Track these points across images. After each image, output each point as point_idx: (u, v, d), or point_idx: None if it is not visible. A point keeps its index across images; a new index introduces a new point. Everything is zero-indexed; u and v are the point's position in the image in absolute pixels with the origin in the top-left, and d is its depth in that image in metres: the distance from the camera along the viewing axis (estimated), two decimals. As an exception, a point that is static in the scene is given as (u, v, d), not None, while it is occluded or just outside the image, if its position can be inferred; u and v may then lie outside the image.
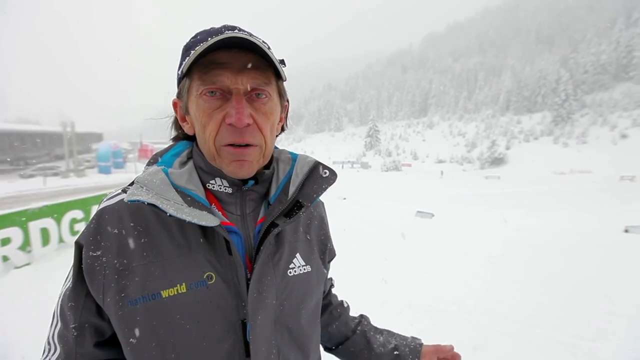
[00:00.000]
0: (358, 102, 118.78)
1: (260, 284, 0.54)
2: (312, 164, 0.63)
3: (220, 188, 0.57)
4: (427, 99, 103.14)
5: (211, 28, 0.54)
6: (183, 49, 0.55)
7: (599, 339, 2.68)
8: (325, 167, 0.63)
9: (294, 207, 0.59)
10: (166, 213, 0.49)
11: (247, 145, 0.53)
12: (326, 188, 0.61)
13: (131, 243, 0.52)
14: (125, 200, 0.51)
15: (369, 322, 0.83)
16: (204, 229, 0.54)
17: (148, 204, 0.49)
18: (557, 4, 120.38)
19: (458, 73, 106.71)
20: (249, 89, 0.52)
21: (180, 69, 0.53)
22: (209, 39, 0.49)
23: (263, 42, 0.52)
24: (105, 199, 0.57)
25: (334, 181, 0.62)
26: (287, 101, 0.64)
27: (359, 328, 0.80)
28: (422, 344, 0.78)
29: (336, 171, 0.63)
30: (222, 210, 0.57)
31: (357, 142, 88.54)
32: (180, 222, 0.52)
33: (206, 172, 0.58)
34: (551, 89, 66.44)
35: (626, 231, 6.44)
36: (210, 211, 0.52)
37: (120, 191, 0.57)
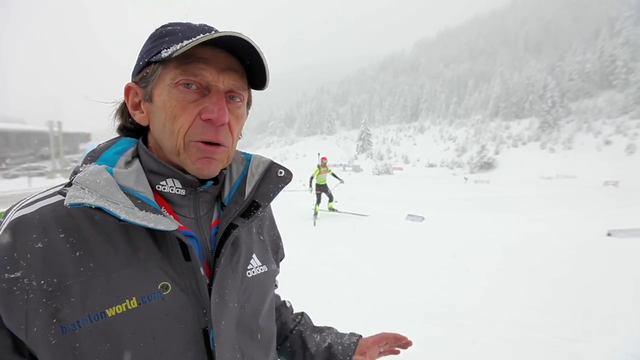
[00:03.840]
0: (350, 106, 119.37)
1: (222, 288, 0.52)
2: (267, 164, 0.63)
3: (172, 190, 0.54)
4: (418, 104, 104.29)
5: (189, 22, 0.54)
6: (156, 35, 0.53)
7: (583, 339, 2.74)
8: (280, 166, 0.63)
9: (250, 207, 0.58)
10: (118, 218, 0.43)
11: (218, 145, 0.52)
12: (282, 187, 0.61)
13: (62, 258, 0.44)
14: (66, 204, 0.42)
15: (307, 321, 0.82)
16: (154, 235, 0.49)
17: (96, 207, 0.43)
18: (544, 13, 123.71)
19: (449, 79, 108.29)
20: (227, 89, 0.52)
21: (159, 54, 0.50)
22: (199, 33, 0.49)
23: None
24: (17, 207, 0.47)
25: (290, 180, 0.62)
26: (248, 112, 0.62)
27: (296, 328, 0.79)
28: (358, 340, 0.75)
29: (291, 171, 0.63)
30: (173, 214, 0.54)
31: (349, 145, 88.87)
32: (125, 229, 0.48)
33: (156, 172, 0.54)
34: (538, 95, 68.00)
35: (609, 235, 6.61)
36: (161, 214, 0.48)
37: (39, 197, 0.49)
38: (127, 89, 0.55)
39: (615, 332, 2.86)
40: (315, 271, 4.36)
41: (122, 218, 0.43)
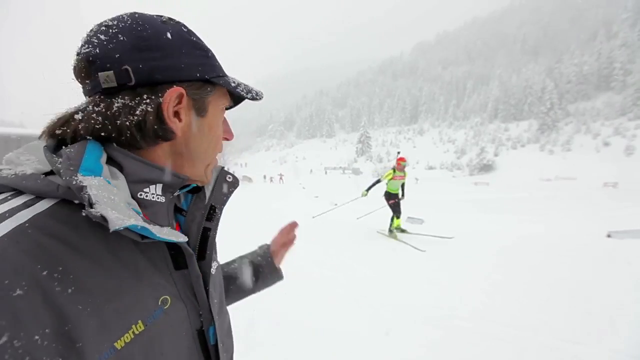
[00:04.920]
0: (349, 109, 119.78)
1: (214, 287, 0.56)
2: (219, 170, 0.66)
3: (154, 197, 0.49)
4: (417, 106, 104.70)
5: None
6: (198, 45, 0.50)
7: (583, 341, 2.74)
8: (228, 172, 0.67)
9: (209, 211, 0.61)
10: (154, 237, 0.40)
11: None
12: (232, 192, 0.65)
13: (51, 300, 0.34)
14: (119, 227, 0.36)
15: (227, 263, 0.88)
16: (140, 249, 0.44)
17: (125, 228, 0.38)
18: (542, 16, 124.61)
19: (447, 81, 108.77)
20: None
21: (214, 73, 0.51)
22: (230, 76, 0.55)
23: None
24: None
25: (238, 186, 0.66)
26: None
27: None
28: (269, 246, 0.90)
29: (238, 178, 0.67)
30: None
31: (349, 148, 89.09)
32: (109, 248, 0.41)
33: (143, 180, 0.48)
34: (537, 97, 68.30)
35: (609, 236, 6.60)
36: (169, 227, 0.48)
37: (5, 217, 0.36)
38: (177, 94, 0.47)
39: (616, 333, 2.85)
40: (314, 274, 4.35)
41: (158, 237, 0.40)
